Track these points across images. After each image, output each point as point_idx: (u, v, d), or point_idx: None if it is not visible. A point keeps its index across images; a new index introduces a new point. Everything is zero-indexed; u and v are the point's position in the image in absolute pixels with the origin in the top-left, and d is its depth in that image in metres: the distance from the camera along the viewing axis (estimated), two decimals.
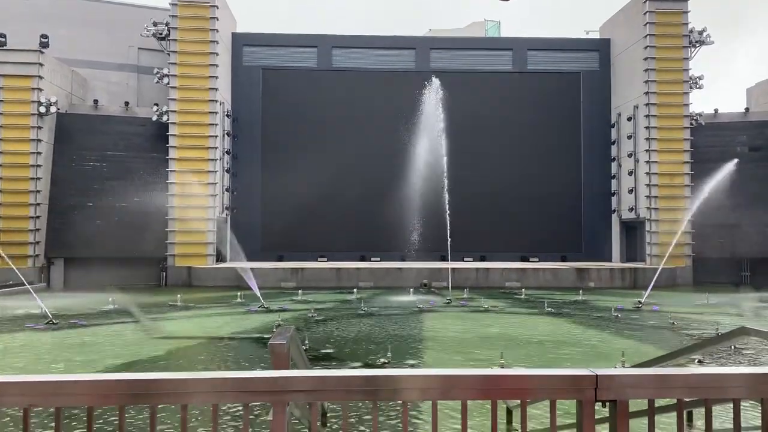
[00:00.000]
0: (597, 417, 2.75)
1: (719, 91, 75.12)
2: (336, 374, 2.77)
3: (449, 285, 28.58)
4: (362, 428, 8.25)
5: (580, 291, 27.19)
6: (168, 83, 32.93)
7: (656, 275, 26.79)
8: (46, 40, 31.46)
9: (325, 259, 35.37)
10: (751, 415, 6.38)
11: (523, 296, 26.19)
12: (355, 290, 27.75)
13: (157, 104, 33.43)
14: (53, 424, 2.72)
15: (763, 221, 32.59)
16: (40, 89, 31.05)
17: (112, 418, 7.98)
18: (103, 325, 18.20)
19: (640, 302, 22.74)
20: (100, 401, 2.71)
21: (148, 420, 2.80)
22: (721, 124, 34.89)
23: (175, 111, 32.71)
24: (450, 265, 29.98)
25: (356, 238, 35.84)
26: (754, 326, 5.43)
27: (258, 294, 22.82)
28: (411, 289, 27.09)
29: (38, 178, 31.06)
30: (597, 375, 2.70)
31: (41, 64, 31.22)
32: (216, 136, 33.16)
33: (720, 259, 33.46)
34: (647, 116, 33.63)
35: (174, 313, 21.11)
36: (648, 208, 33.51)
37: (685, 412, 2.99)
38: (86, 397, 2.68)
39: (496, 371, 2.93)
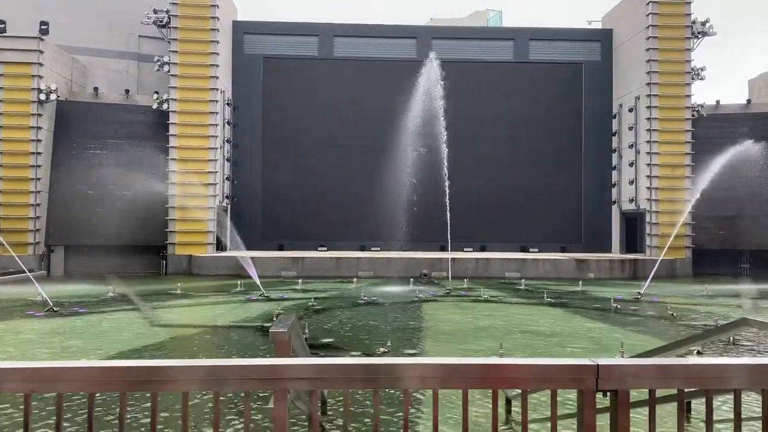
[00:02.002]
0: (598, 407, 2.75)
1: (722, 81, 74.95)
2: (336, 362, 2.77)
3: (449, 275, 28.65)
4: (363, 416, 8.28)
5: (579, 282, 27.23)
6: (168, 71, 32.82)
7: (656, 266, 26.81)
8: (45, 27, 31.33)
9: (325, 249, 35.39)
10: (750, 406, 6.40)
11: (522, 287, 26.21)
12: (355, 280, 27.79)
13: (157, 92, 33.35)
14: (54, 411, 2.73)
15: (763, 213, 32.61)
16: (40, 76, 30.94)
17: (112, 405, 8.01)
18: (104, 312, 18.23)
19: (639, 293, 22.78)
20: (101, 388, 2.71)
21: (149, 407, 2.80)
22: (722, 116, 34.80)
23: (175, 99, 32.62)
24: (450, 255, 30.02)
25: (356, 227, 35.85)
26: (754, 317, 5.44)
27: (258, 283, 22.86)
28: (411, 279, 27.12)
29: (38, 166, 31.02)
30: (598, 365, 2.70)
31: (41, 51, 31.10)
32: (216, 125, 33.09)
33: (720, 250, 33.48)
34: (649, 107, 33.54)
35: (174, 302, 21.15)
36: (648, 199, 33.49)
37: (685, 402, 3.00)
38: (87, 383, 2.68)
39: (497, 360, 2.93)
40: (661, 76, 33.45)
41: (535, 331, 15.31)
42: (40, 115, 31.15)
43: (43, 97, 30.87)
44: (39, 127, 31.08)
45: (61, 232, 31.63)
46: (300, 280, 26.73)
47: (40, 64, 31.05)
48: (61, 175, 31.94)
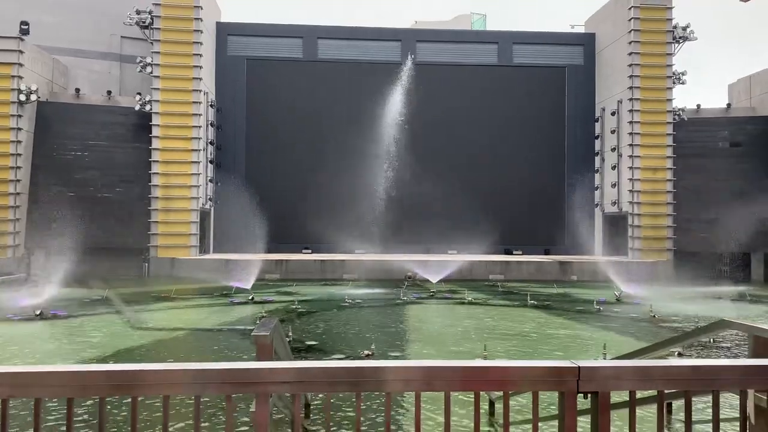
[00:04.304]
0: (579, 408, 2.77)
1: (702, 85, 75.92)
2: (319, 365, 2.77)
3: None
4: (345, 421, 8.26)
5: (554, 284, 27.56)
6: (151, 72, 32.56)
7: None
8: (26, 27, 30.95)
9: (310, 251, 35.29)
10: (730, 408, 6.48)
11: (506, 289, 26.32)
12: (339, 282, 27.73)
13: (139, 93, 33.09)
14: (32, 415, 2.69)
15: (743, 216, 33.02)
16: (20, 77, 30.54)
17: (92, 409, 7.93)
18: (85, 316, 18.03)
19: (616, 294, 23.15)
20: (80, 392, 2.68)
21: (130, 411, 2.77)
22: (703, 120, 35.23)
23: (158, 101, 32.38)
24: (434, 257, 30.08)
25: (341, 229, 35.75)
26: (734, 319, 5.50)
27: (246, 286, 22.78)
28: (395, 281, 27.13)
29: (18, 168, 30.62)
30: (579, 367, 2.72)
31: (21, 52, 30.69)
32: (199, 127, 32.89)
33: (701, 253, 33.83)
34: (631, 111, 33.86)
35: (157, 304, 20.98)
36: (630, 202, 33.80)
37: (665, 404, 3.02)
38: (66, 388, 2.65)
39: (479, 363, 2.94)
40: (643, 80, 33.80)
41: (518, 334, 15.38)
42: (20, 116, 30.74)
43: (23, 98, 30.46)
44: (19, 128, 30.67)
45: (41, 234, 31.22)
46: (294, 283, 26.66)
47: (20, 65, 30.65)
48: (41, 177, 31.57)
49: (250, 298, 21.70)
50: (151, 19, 32.58)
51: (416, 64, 36.80)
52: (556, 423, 3.00)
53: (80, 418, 7.80)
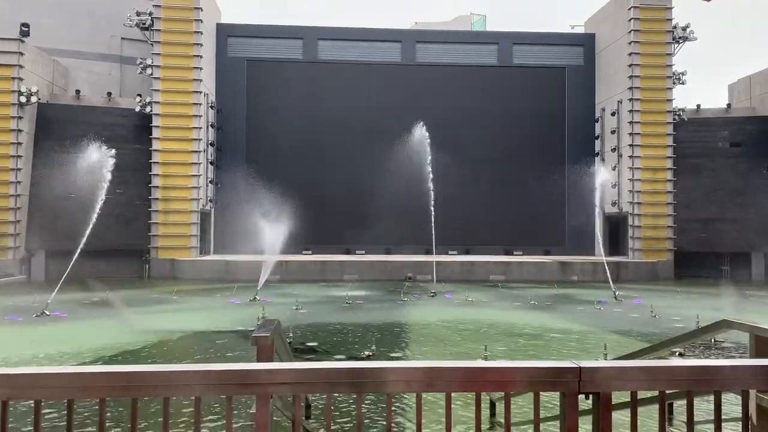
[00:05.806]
0: (580, 409, 2.76)
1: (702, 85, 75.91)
2: (320, 367, 2.76)
3: (434, 278, 28.69)
4: (346, 420, 8.26)
5: (555, 284, 27.50)
6: (151, 74, 32.58)
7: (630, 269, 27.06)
8: (26, 29, 30.97)
9: (310, 252, 35.27)
10: (731, 407, 6.46)
11: (507, 289, 26.29)
12: (340, 283, 27.72)
13: (140, 95, 33.10)
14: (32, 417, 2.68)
15: (743, 216, 33.04)
16: (20, 79, 30.57)
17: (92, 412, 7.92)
18: (86, 317, 18.03)
19: (615, 294, 23.16)
20: (80, 394, 2.67)
21: (130, 413, 2.77)
22: (703, 120, 35.21)
23: (158, 102, 32.40)
24: (434, 258, 30.07)
25: (341, 230, 35.78)
26: (735, 319, 5.49)
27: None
28: (395, 282, 27.11)
29: (18, 169, 30.63)
30: (580, 367, 2.71)
31: (21, 53, 30.72)
32: (200, 128, 32.90)
33: (701, 253, 33.84)
34: (631, 111, 33.86)
35: (157, 306, 20.97)
36: (631, 202, 33.79)
37: (666, 404, 3.02)
38: (66, 389, 2.64)
39: (480, 363, 2.93)
40: (642, 81, 33.80)
41: (518, 334, 15.37)
42: (20, 117, 30.77)
43: (23, 99, 30.49)
44: (19, 130, 30.69)
45: (41, 235, 31.22)
46: (295, 285, 26.64)
47: (21, 66, 30.68)
48: (41, 179, 31.54)
49: (251, 299, 21.69)
50: (151, 20, 32.61)
51: (416, 65, 36.85)
52: (557, 423, 2.99)
53: (80, 420, 7.80)
